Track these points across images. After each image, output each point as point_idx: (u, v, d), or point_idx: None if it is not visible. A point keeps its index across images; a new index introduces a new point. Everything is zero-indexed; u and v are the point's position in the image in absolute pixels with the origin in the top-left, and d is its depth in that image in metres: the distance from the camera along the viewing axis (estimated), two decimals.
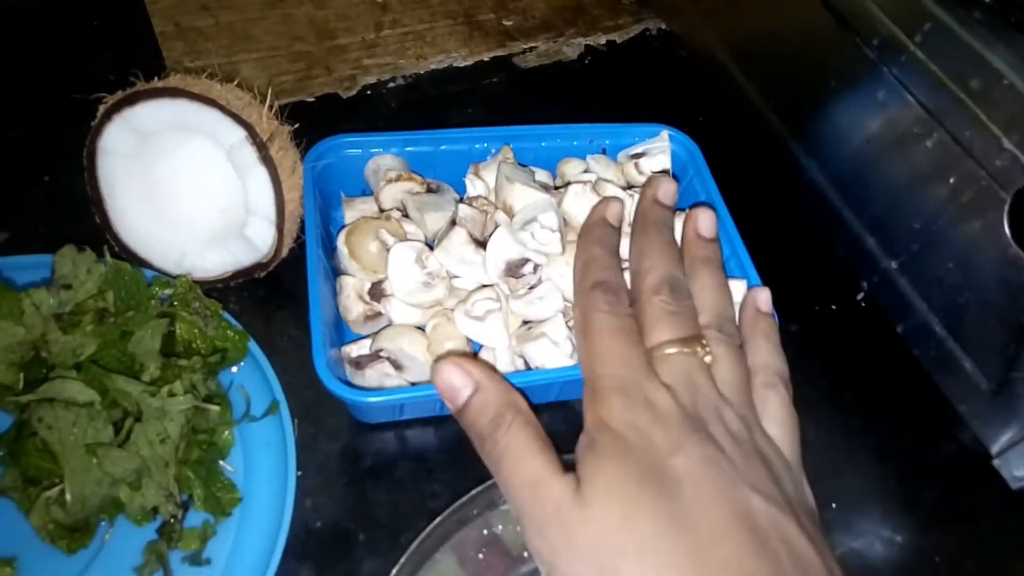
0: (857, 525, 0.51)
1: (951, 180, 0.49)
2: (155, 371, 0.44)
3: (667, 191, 0.48)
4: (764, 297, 0.46)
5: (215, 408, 0.45)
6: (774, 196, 0.69)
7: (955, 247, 0.50)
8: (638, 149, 0.62)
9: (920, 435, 0.56)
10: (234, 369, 0.51)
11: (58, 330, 0.44)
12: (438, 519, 0.43)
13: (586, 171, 0.60)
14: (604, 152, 0.63)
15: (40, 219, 0.59)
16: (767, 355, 0.42)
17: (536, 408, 0.39)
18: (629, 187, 0.59)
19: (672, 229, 0.47)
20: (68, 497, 0.42)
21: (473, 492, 0.44)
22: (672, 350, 0.38)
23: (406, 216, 0.57)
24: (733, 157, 0.65)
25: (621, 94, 0.79)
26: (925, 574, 0.50)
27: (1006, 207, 0.45)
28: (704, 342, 0.39)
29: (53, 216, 0.59)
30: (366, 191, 0.60)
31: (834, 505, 0.52)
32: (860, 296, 0.60)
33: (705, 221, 0.47)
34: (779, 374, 0.42)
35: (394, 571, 0.41)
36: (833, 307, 0.62)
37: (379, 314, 0.54)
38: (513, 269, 0.52)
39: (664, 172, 0.61)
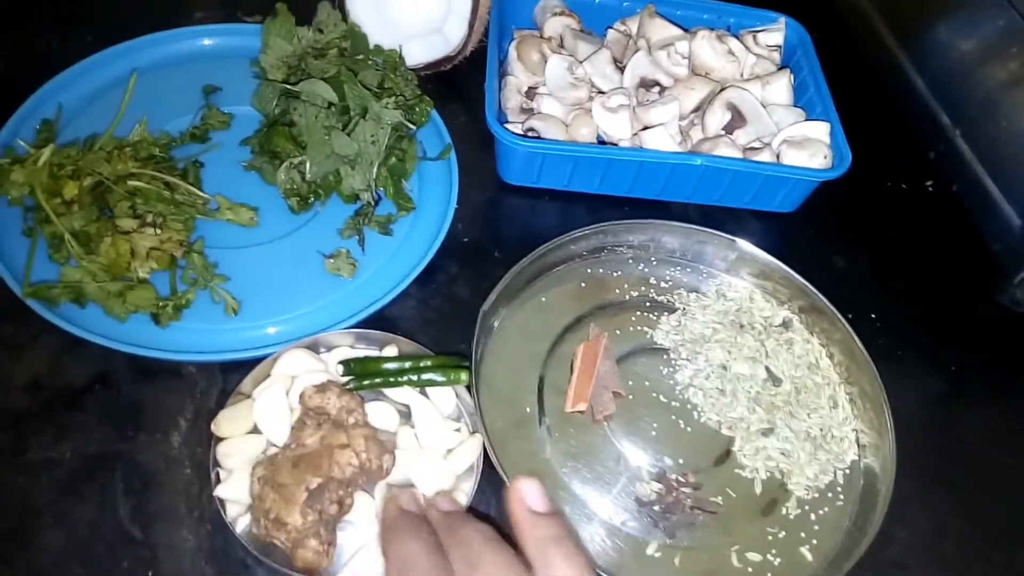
0: (895, 336, 0.62)
1: (1012, 53, 0.60)
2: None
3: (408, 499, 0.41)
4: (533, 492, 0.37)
5: (412, 126, 0.61)
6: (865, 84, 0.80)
7: (1006, 107, 0.61)
8: (757, 28, 0.75)
9: (960, 279, 0.66)
10: None
11: (312, 56, 0.61)
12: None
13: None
14: (728, 29, 0.77)
15: None
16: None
17: None
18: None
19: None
20: (308, 164, 0.58)
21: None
22: None
23: (562, 46, 0.72)
24: (840, 51, 0.77)
25: None
26: (941, 379, 0.61)
27: None
28: None
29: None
30: (532, 29, 0.76)
31: (874, 315, 0.63)
32: (931, 155, 0.71)
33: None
34: None
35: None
36: (903, 185, 0.74)
37: (531, 109, 0.69)
38: (645, 84, 0.66)
39: (776, 47, 0.74)
